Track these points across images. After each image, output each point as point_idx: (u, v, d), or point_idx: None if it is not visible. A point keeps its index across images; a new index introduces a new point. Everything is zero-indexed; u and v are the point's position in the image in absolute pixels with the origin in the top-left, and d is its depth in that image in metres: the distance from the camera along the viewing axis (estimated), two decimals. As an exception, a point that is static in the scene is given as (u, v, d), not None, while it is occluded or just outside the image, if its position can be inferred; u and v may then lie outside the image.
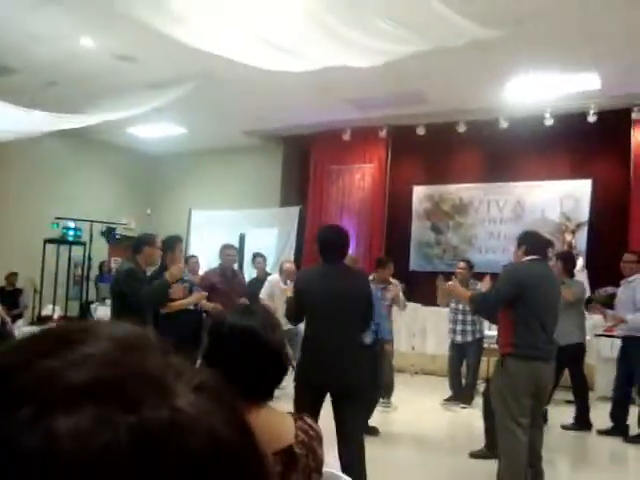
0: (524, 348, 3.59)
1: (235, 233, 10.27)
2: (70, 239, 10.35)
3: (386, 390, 6.62)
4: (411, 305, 7.65)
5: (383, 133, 9.74)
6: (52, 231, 10.21)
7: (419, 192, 10.23)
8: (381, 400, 6.58)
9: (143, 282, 4.57)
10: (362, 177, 10.29)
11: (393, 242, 10.10)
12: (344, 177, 10.42)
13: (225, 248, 6.69)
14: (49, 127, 6.54)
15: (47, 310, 9.39)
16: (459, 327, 6.80)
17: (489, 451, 4.51)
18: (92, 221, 10.37)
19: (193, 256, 7.40)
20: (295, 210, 10.91)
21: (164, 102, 7.26)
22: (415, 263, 10.22)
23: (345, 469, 3.28)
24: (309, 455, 1.31)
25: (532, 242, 3.94)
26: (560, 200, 9.19)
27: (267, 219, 11.09)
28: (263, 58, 5.37)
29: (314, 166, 10.66)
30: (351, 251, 10.32)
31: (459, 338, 6.81)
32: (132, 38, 6.35)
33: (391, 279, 6.86)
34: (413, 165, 10.37)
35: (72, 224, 10.35)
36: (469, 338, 6.75)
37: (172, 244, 5.72)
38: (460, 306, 6.69)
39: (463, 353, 6.86)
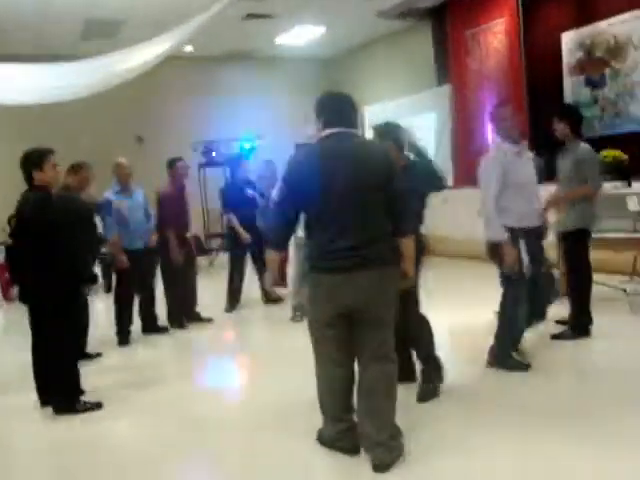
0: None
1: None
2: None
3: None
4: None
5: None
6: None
7: (569, 39, 8.01)
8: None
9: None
10: (494, 36, 8.59)
11: (541, 109, 8.10)
12: (479, 42, 8.87)
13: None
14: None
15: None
16: None
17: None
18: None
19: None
20: (444, 89, 9.82)
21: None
22: (575, 130, 8.15)
23: None
24: None
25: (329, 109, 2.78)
26: None
27: (423, 103, 10.28)
28: None
29: (451, 35, 9.34)
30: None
31: None
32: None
33: None
34: (556, 5, 8.11)
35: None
36: None
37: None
38: None
39: None
